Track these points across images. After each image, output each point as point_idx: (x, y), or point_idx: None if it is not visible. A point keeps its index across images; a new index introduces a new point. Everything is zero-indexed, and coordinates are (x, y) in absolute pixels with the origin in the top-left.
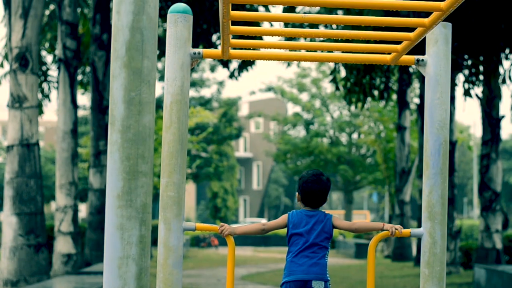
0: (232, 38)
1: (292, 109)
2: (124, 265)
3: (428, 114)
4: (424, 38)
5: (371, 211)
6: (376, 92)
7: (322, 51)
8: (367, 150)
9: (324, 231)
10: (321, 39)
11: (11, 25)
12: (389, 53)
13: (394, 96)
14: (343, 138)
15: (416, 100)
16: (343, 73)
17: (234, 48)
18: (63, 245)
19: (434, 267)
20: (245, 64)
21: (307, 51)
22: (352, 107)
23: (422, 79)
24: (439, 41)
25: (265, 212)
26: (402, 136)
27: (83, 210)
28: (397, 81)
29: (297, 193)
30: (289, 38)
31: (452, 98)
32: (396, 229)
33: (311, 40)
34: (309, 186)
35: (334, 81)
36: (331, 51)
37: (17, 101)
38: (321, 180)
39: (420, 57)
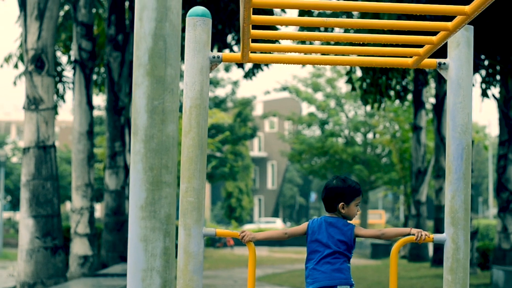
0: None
1: (307, 108)
2: (148, 277)
3: (451, 118)
4: (445, 41)
5: (386, 211)
6: (392, 93)
7: (341, 55)
8: (382, 150)
9: (345, 240)
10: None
11: (27, 26)
12: (410, 57)
13: (410, 96)
14: (358, 138)
15: (432, 100)
16: (359, 73)
17: (253, 52)
18: (79, 247)
19: (457, 274)
20: (260, 63)
21: (326, 54)
22: (368, 107)
23: (438, 79)
24: (461, 44)
25: (279, 212)
26: (418, 136)
27: (99, 210)
28: (412, 81)
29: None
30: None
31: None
32: (425, 234)
33: (327, 44)
34: (324, 190)
35: (350, 81)
36: (351, 54)
37: (33, 103)
38: (328, 183)
39: (442, 60)
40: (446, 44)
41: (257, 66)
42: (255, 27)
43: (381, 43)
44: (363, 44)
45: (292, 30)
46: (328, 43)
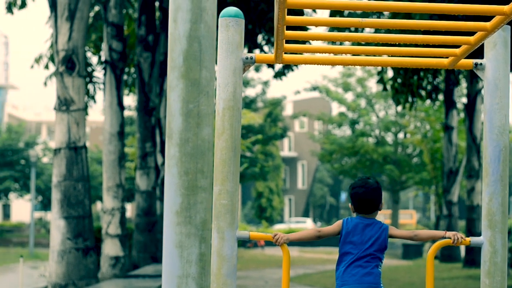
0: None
1: (337, 108)
2: (184, 284)
3: (487, 119)
4: (483, 42)
5: (417, 211)
6: (423, 92)
7: (375, 55)
8: (413, 149)
9: (379, 242)
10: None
11: (57, 27)
12: (446, 57)
13: (441, 96)
14: (389, 138)
15: (464, 100)
16: (390, 73)
17: (286, 53)
18: (110, 248)
19: (495, 277)
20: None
21: (358, 55)
22: (399, 107)
23: (469, 78)
24: (497, 45)
25: (310, 212)
26: (449, 136)
27: (130, 210)
28: (443, 81)
29: (349, 204)
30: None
31: None
32: (461, 237)
33: (358, 44)
34: (356, 192)
35: (381, 81)
36: (385, 55)
37: (64, 104)
38: (367, 183)
39: (479, 61)
40: (482, 45)
41: (287, 66)
42: (288, 28)
43: (417, 43)
44: (396, 45)
45: (321, 31)
46: (359, 44)
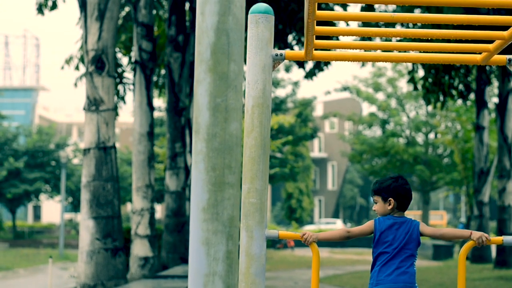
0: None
1: (367, 109)
2: (210, 282)
3: None
4: None
5: (448, 212)
6: (454, 92)
7: (406, 51)
8: (444, 150)
9: (413, 238)
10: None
11: (87, 27)
12: (479, 53)
13: (472, 96)
14: (420, 138)
15: (495, 100)
16: (421, 73)
17: (317, 49)
18: (140, 248)
19: None
20: (321, 63)
21: (389, 51)
22: (430, 107)
23: (501, 78)
24: None
25: (340, 213)
26: (481, 136)
27: (159, 211)
28: (475, 80)
29: (391, 199)
30: (368, 38)
31: None
32: (485, 238)
33: (386, 40)
34: (406, 189)
35: (412, 81)
36: (417, 51)
37: (93, 104)
38: (404, 183)
39: None
40: None
41: (318, 66)
42: (318, 24)
43: (450, 38)
44: (428, 40)
45: (352, 26)
46: (390, 40)
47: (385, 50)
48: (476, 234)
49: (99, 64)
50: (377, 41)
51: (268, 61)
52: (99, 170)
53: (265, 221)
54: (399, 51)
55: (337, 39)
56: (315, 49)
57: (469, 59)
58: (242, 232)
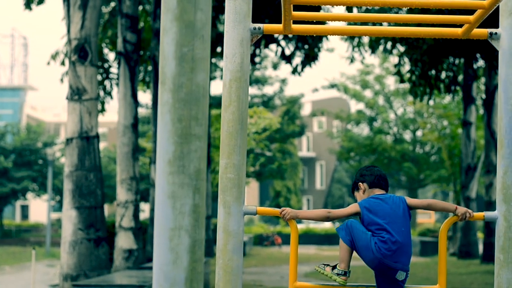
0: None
1: (355, 106)
2: (176, 236)
3: (503, 90)
4: (497, 11)
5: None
6: (441, 85)
7: (389, 24)
8: (431, 147)
9: (405, 214)
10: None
11: (70, 16)
12: (460, 26)
13: (459, 90)
14: (407, 136)
15: (482, 96)
16: (407, 67)
17: (297, 24)
18: (124, 241)
19: (509, 253)
20: (308, 59)
21: (369, 23)
22: (418, 105)
23: (488, 72)
24: None
25: None
26: (468, 132)
27: (146, 210)
28: (462, 74)
29: (360, 184)
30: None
31: None
32: (468, 214)
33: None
34: (372, 168)
35: (398, 74)
36: (396, 23)
37: (76, 94)
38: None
39: (493, 30)
40: (497, 14)
41: (305, 62)
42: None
43: (429, 7)
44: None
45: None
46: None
47: (364, 21)
48: (461, 210)
49: (82, 53)
50: (356, 13)
51: (246, 34)
52: (82, 160)
53: (243, 197)
54: (379, 24)
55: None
56: (294, 22)
57: (451, 32)
58: (220, 208)
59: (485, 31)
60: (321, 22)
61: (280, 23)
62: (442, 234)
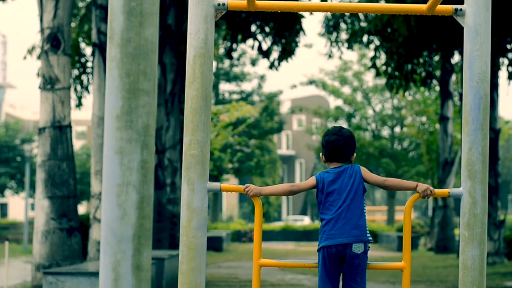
0: None
1: (333, 102)
2: (124, 192)
3: (468, 66)
4: None
5: (415, 208)
6: (417, 78)
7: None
8: (409, 143)
9: (355, 186)
10: None
11: (43, 5)
12: (425, 3)
13: (435, 84)
14: (385, 132)
15: (460, 90)
16: (383, 60)
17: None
18: (98, 232)
19: (474, 229)
20: (285, 54)
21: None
22: (396, 101)
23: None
24: None
25: (308, 210)
26: (445, 126)
27: None
28: (439, 68)
29: (321, 154)
30: None
31: (496, 85)
32: (430, 191)
33: None
34: (328, 139)
35: (374, 66)
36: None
37: (49, 83)
38: (341, 131)
39: (459, 6)
40: None
41: (282, 57)
42: None
43: None
44: None
45: None
46: None
47: None
48: (422, 187)
49: (55, 42)
50: None
51: (210, 10)
52: (55, 149)
53: (207, 174)
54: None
55: None
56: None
57: (415, 8)
58: (184, 185)
59: (450, 7)
60: None
61: None
62: (407, 212)
